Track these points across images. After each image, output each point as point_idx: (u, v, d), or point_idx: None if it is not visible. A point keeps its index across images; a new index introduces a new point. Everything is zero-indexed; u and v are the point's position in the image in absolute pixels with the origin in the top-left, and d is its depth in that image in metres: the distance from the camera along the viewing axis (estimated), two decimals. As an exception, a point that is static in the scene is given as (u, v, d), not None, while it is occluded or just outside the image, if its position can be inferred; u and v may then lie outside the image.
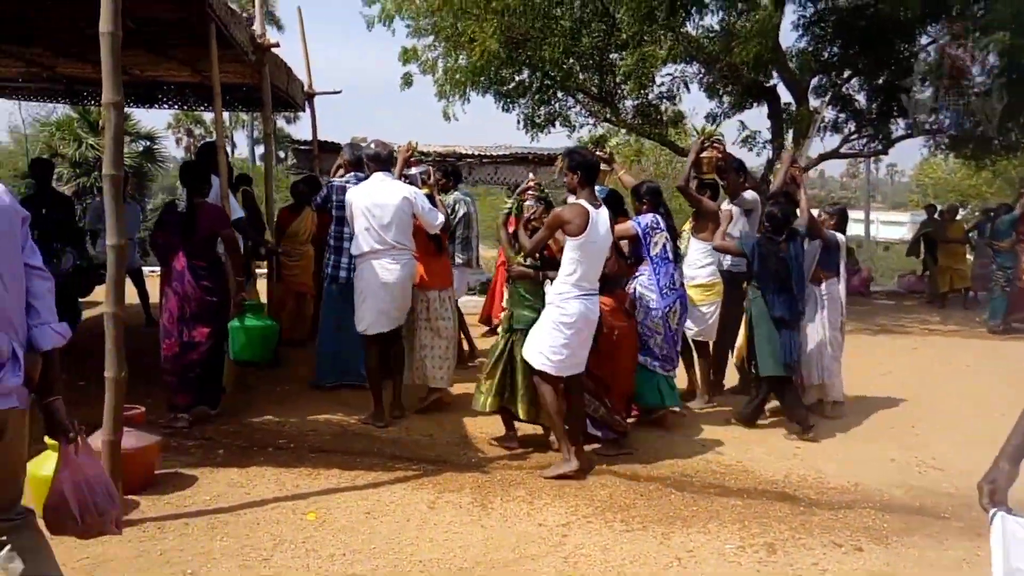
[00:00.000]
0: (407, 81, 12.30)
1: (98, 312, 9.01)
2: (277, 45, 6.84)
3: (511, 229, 5.28)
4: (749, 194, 6.29)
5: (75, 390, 6.00)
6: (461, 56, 11.60)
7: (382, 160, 5.65)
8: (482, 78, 11.60)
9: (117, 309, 3.74)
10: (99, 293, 7.82)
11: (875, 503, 4.47)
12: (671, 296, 5.59)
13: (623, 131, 14.57)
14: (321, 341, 6.45)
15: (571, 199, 4.88)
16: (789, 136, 12.56)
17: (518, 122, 12.72)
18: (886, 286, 16.21)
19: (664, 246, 5.61)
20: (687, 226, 6.56)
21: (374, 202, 5.47)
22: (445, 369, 5.91)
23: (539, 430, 5.31)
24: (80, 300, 7.72)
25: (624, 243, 5.68)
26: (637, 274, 5.63)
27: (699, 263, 6.24)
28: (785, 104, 12.94)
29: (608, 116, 12.96)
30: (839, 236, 6.22)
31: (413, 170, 6.14)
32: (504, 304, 5.64)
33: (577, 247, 4.62)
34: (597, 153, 5.82)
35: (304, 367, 6.95)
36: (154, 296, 8.67)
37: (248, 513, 3.96)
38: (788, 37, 25.73)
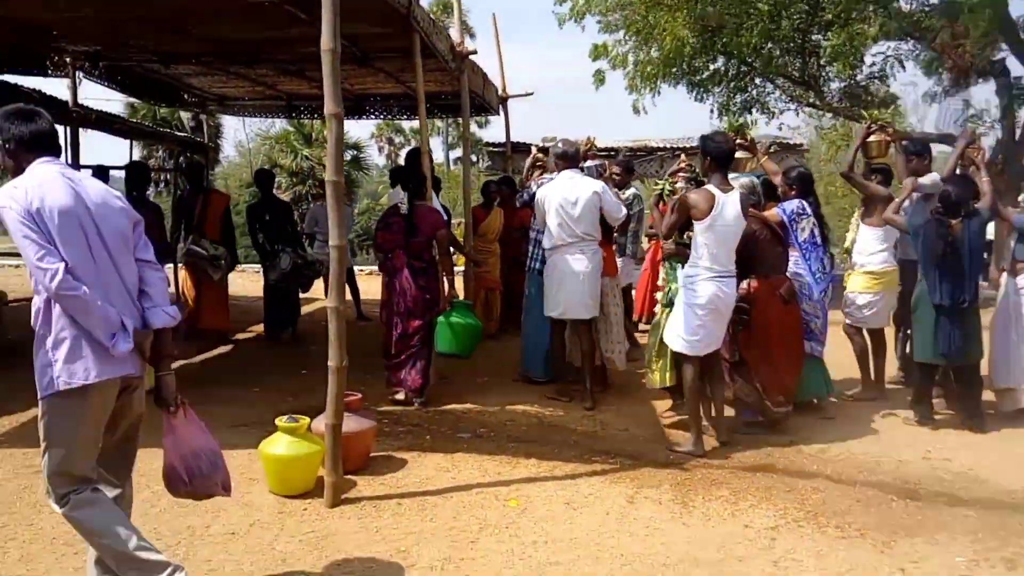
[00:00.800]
0: (599, 79, 12.31)
1: (315, 308, 9.82)
2: (475, 52, 7.08)
3: (662, 210, 5.51)
4: (929, 178, 5.91)
5: (298, 378, 6.58)
6: (652, 48, 11.42)
7: (570, 157, 5.95)
8: (674, 69, 11.38)
9: (339, 304, 4.01)
10: (314, 290, 8.54)
11: None
12: (824, 281, 5.64)
13: (828, 115, 13.72)
14: (528, 334, 6.59)
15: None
16: (1022, 113, 11.27)
17: (711, 111, 12.38)
18: None
19: (812, 231, 5.60)
20: (857, 213, 6.44)
21: (566, 198, 5.78)
22: (616, 352, 6.11)
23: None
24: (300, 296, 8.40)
25: None
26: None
27: (869, 250, 6.09)
28: (1016, 78, 11.61)
29: (811, 100, 12.27)
30: None
31: (589, 163, 6.32)
32: (660, 283, 5.81)
33: (704, 230, 4.82)
34: (737, 141, 5.79)
35: (496, 360, 7.18)
36: (369, 293, 9.34)
37: (454, 496, 4.13)
38: (1018, 5, 23.04)
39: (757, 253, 5.17)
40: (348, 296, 9.57)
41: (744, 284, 5.14)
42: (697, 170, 5.74)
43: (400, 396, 5.77)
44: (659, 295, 5.75)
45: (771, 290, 5.21)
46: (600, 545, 3.58)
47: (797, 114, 13.23)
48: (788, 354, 5.29)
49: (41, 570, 3.20)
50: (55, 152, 2.80)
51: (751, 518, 3.90)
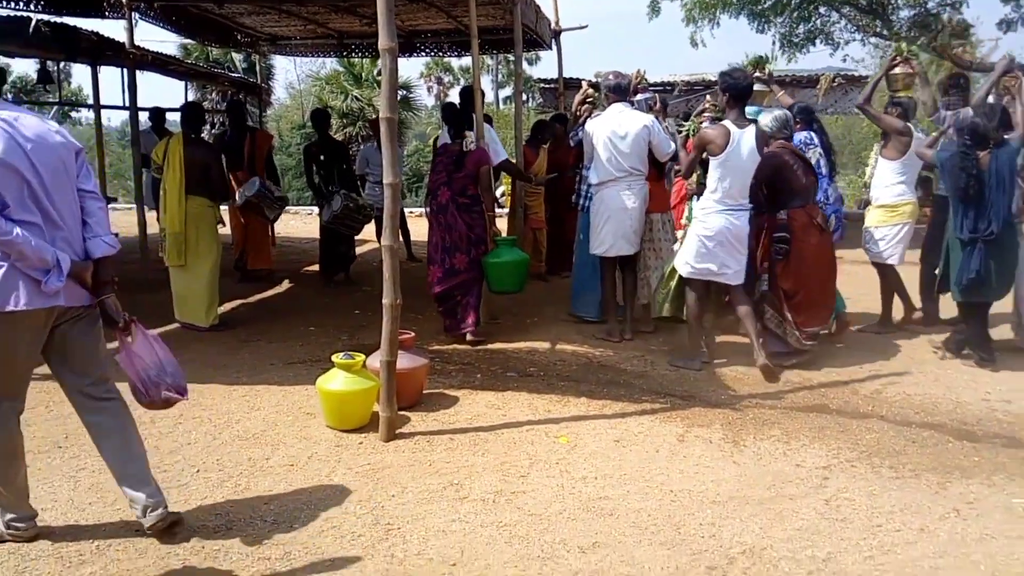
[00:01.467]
0: (654, 9, 11.93)
1: (365, 249, 9.91)
2: (528, -17, 6.91)
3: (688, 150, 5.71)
4: (963, 111, 5.91)
5: (351, 317, 6.70)
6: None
7: (621, 90, 5.89)
8: (734, -3, 10.97)
9: (392, 242, 4.03)
10: (364, 232, 8.60)
11: None
12: (826, 210, 5.72)
13: (894, 45, 13.12)
14: (578, 274, 6.57)
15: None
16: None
17: (773, 43, 11.94)
18: None
19: (818, 161, 5.83)
20: (876, 147, 6.60)
21: (615, 131, 5.75)
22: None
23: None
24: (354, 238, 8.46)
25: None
26: None
27: (885, 183, 6.11)
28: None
29: (879, 29, 11.73)
30: None
31: (639, 97, 6.25)
32: (683, 221, 5.90)
33: (718, 165, 5.05)
34: (756, 75, 6.00)
35: (545, 300, 7.21)
36: (420, 235, 9.38)
37: (505, 433, 4.19)
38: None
39: (791, 184, 5.28)
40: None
41: (782, 215, 5.31)
42: (721, 110, 5.82)
43: (473, 339, 5.84)
44: (679, 233, 5.96)
45: (808, 220, 5.31)
46: (649, 481, 3.62)
47: (863, 44, 12.73)
48: (825, 283, 5.45)
49: (110, 499, 3.37)
50: None
51: (803, 458, 3.89)
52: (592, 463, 3.82)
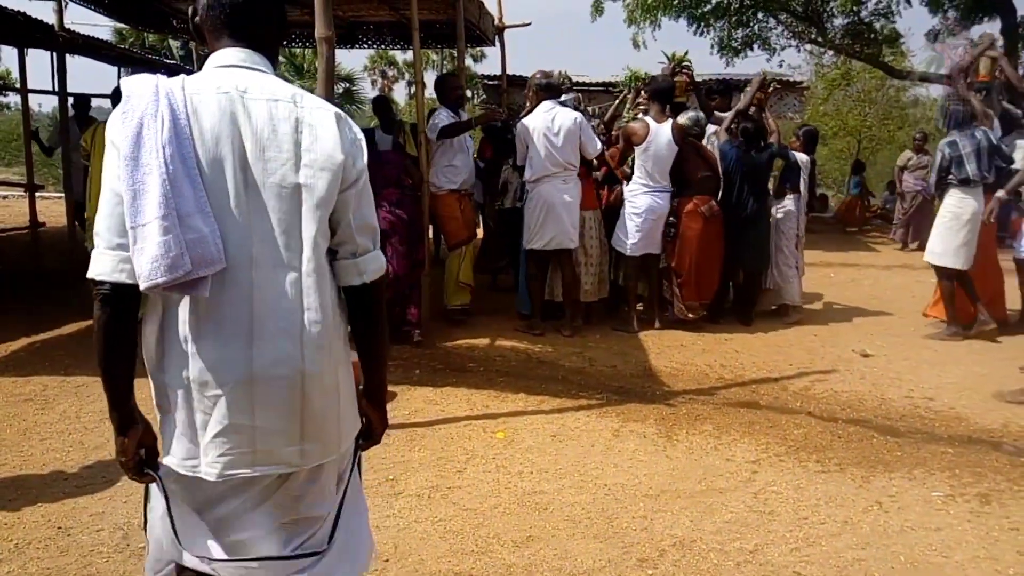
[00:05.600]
0: (598, 9, 12.03)
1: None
2: (471, -23, 6.89)
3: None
4: (727, 115, 6.80)
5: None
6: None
7: (552, 88, 6.10)
8: (675, 1, 11.12)
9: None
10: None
11: (1117, 463, 3.97)
12: None
13: (830, 52, 13.50)
14: (523, 272, 6.57)
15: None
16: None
17: (712, 47, 12.15)
18: None
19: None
20: None
21: (548, 127, 5.89)
22: (592, 284, 6.40)
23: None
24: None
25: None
26: None
27: None
28: (1022, 17, 11.39)
29: (814, 36, 12.05)
30: (800, 156, 6.90)
31: (564, 97, 6.38)
32: None
33: (641, 152, 6.03)
34: (679, 71, 6.93)
35: (489, 297, 7.20)
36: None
37: (442, 429, 4.18)
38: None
39: (687, 176, 6.19)
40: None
41: (673, 201, 6.18)
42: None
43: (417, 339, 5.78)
44: None
45: (694, 208, 6.17)
46: (584, 476, 3.65)
47: (799, 51, 13.05)
48: (706, 265, 6.26)
49: (33, 495, 3.25)
50: None
51: (733, 452, 3.98)
52: (528, 458, 3.84)
